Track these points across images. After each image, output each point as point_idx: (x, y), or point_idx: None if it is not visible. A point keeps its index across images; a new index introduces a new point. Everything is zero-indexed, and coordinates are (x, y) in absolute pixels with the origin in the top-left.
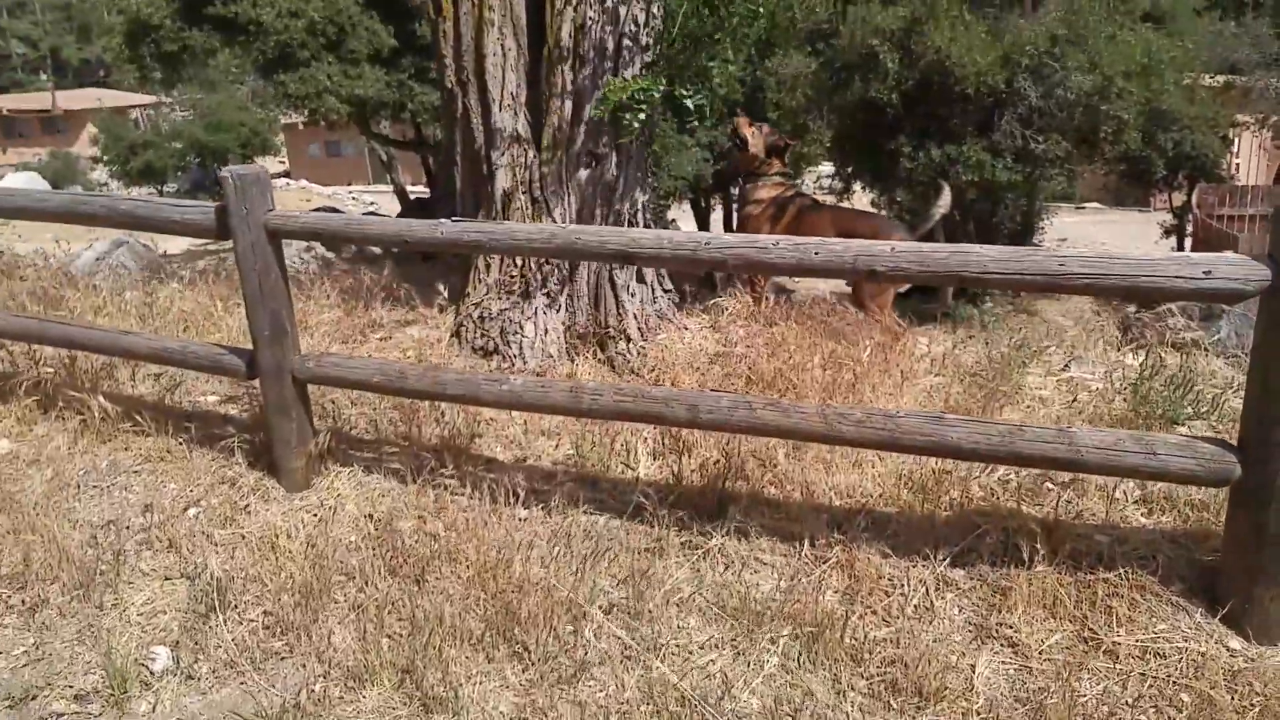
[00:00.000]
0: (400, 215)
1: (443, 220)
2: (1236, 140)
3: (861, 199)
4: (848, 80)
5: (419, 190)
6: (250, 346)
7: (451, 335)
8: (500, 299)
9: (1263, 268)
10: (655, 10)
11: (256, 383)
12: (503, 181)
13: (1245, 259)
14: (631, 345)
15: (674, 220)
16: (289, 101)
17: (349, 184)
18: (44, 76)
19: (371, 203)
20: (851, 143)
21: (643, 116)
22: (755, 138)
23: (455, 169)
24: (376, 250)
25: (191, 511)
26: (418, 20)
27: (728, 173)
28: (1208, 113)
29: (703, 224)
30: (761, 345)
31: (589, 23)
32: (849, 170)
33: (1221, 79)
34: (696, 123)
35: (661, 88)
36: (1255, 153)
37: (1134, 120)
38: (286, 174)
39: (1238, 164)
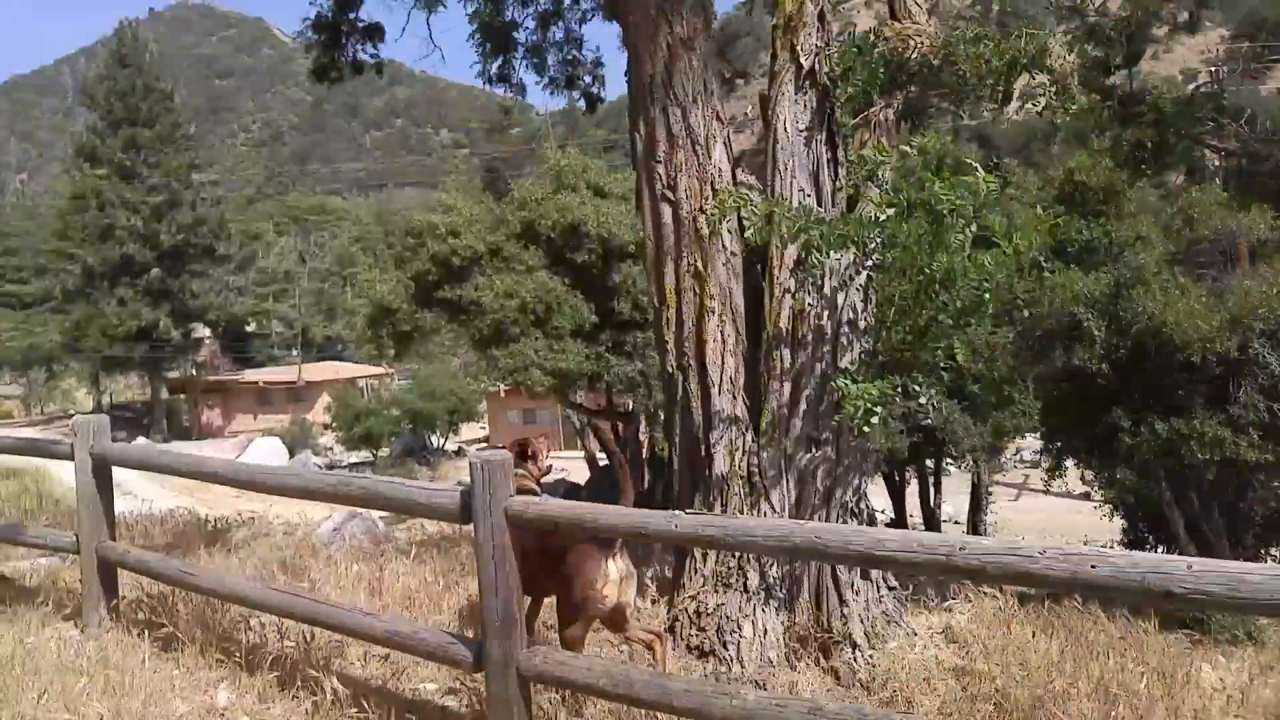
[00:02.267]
0: (589, 481)
1: (678, 513)
2: None
3: (1072, 475)
4: (1049, 348)
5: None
6: (476, 635)
7: (667, 630)
8: (717, 592)
9: None
10: (871, 294)
11: (479, 677)
12: (720, 465)
13: None
14: (858, 653)
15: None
16: (499, 374)
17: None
18: (294, 352)
19: (562, 469)
20: (1062, 415)
21: (878, 416)
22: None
23: (672, 447)
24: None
25: None
26: (616, 298)
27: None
28: None
29: (897, 499)
30: (1011, 662)
31: (807, 309)
32: (1058, 445)
33: None
34: (927, 415)
35: (897, 387)
36: None
37: None
38: (486, 439)
39: None
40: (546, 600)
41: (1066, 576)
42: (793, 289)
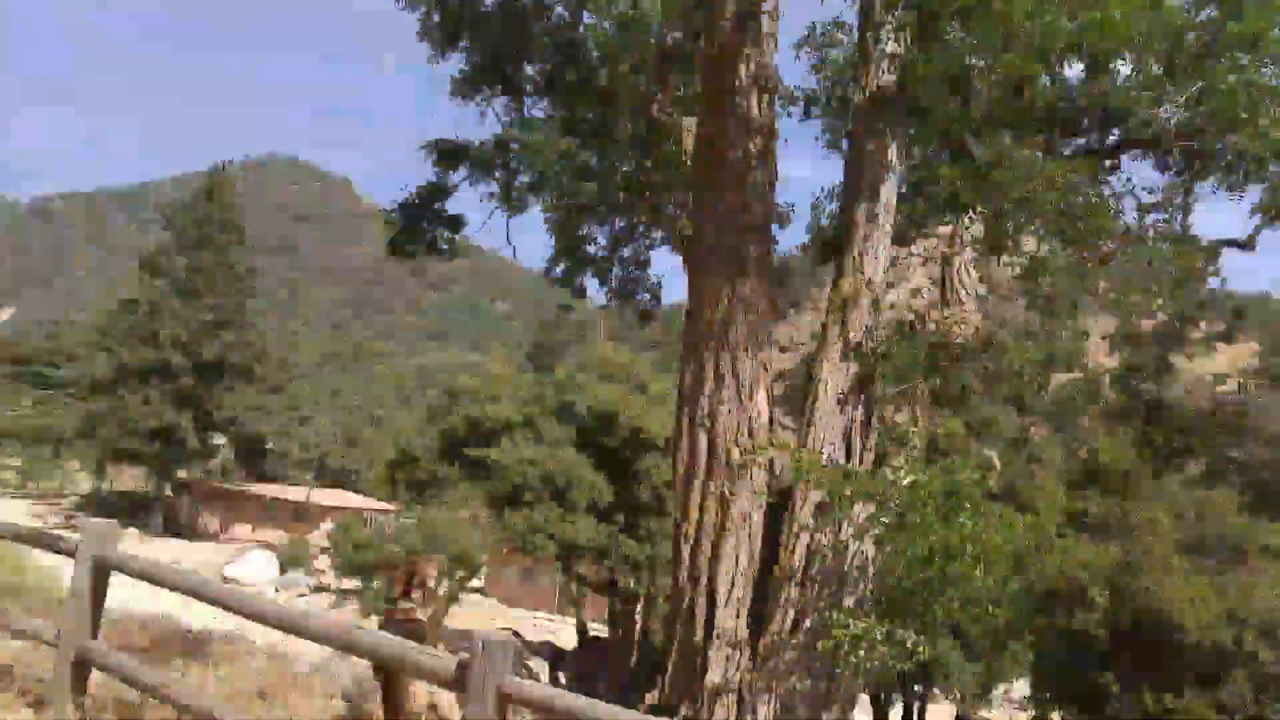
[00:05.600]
0: (577, 648)
1: None
2: None
3: None
4: (1050, 607)
5: (598, 628)
6: None
7: None
8: None
9: None
10: (882, 549)
11: None
12: (714, 676)
13: None
14: None
15: None
16: (508, 535)
17: (535, 609)
18: (308, 475)
19: (551, 632)
20: (1052, 667)
21: (862, 653)
22: None
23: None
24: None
25: None
26: (637, 484)
27: None
28: None
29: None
30: None
31: (822, 549)
32: (1047, 696)
33: None
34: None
35: (883, 632)
36: None
37: None
38: (481, 590)
39: None
40: None
41: None
42: (811, 529)
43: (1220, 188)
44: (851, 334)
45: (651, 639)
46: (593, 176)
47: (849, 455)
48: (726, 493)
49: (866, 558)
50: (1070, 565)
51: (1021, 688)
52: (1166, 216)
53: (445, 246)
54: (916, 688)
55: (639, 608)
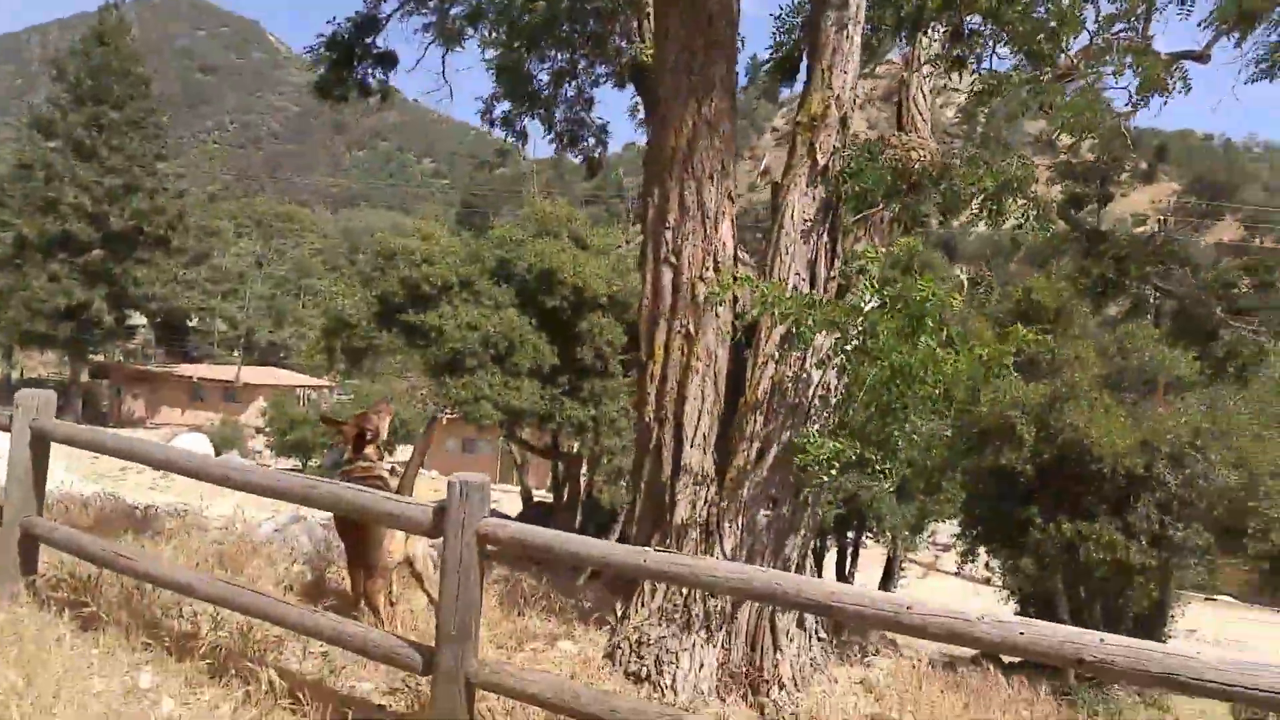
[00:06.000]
0: (520, 515)
1: (647, 549)
2: None
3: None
4: (982, 446)
5: (542, 495)
6: (428, 643)
7: (605, 656)
8: (660, 626)
9: None
10: (844, 378)
11: (424, 681)
12: (682, 512)
13: None
14: (784, 693)
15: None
16: (450, 403)
17: None
18: (235, 353)
19: (495, 500)
20: (981, 506)
21: (834, 472)
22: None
23: (637, 492)
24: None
25: None
26: (581, 344)
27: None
28: None
29: (815, 565)
30: (923, 714)
31: (786, 380)
32: (975, 532)
33: None
34: (883, 481)
35: (856, 451)
36: None
37: None
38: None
39: None
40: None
41: (998, 640)
42: (776, 360)
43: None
44: (820, 156)
45: (597, 499)
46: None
47: (813, 285)
48: (692, 330)
49: (829, 387)
50: (1004, 404)
51: (947, 530)
52: (1129, 26)
53: (379, 85)
54: (849, 534)
55: (583, 469)
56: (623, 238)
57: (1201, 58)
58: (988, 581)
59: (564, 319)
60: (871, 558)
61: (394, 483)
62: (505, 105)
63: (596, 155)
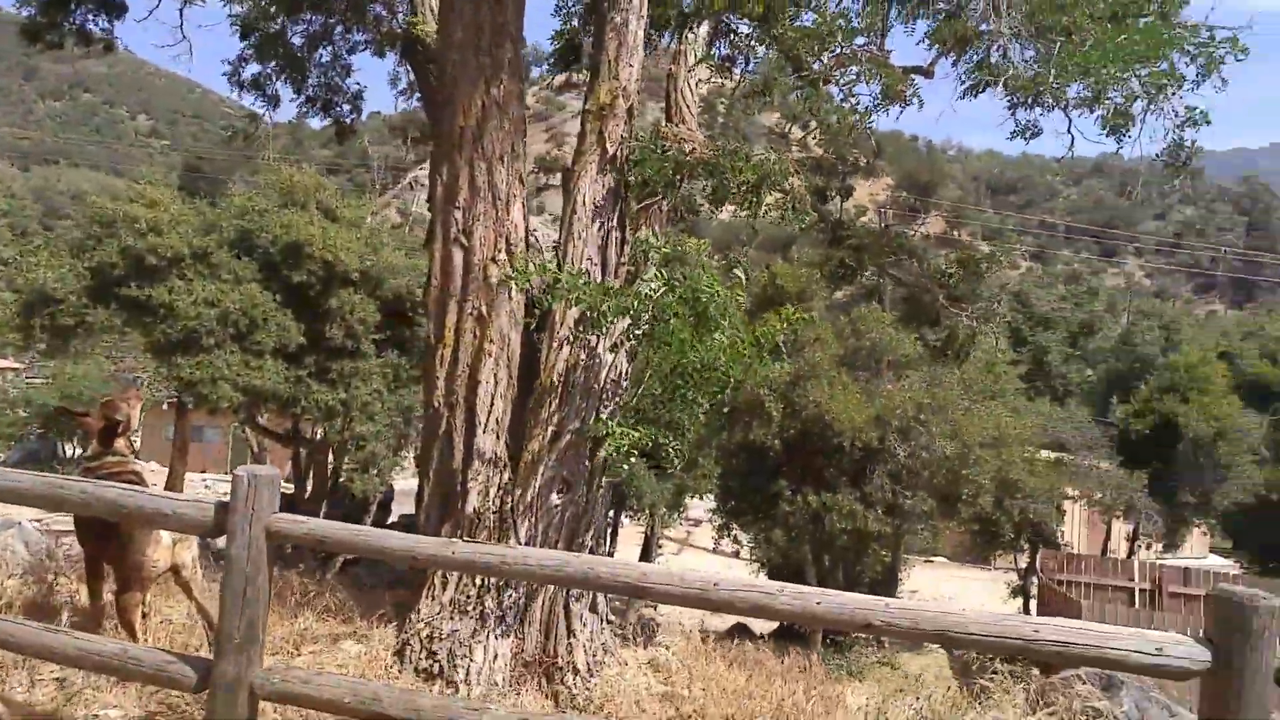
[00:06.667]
0: None
1: (455, 540)
2: (1068, 512)
3: (740, 537)
4: (733, 423)
5: (284, 487)
6: (204, 654)
7: (394, 654)
8: (453, 619)
9: (1204, 650)
10: (634, 361)
11: (195, 699)
12: (474, 500)
13: (1188, 640)
14: (579, 679)
15: None
16: (180, 384)
17: (203, 471)
18: None
19: (224, 493)
20: (735, 481)
21: (634, 460)
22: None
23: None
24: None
25: None
26: (331, 323)
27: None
28: (1045, 485)
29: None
30: (710, 688)
31: (580, 364)
32: (729, 506)
33: (1053, 455)
34: (675, 465)
35: (652, 439)
36: (1083, 523)
37: (988, 485)
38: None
39: (1063, 533)
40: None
41: (799, 610)
42: (570, 343)
43: (899, 21)
44: (609, 145)
45: (346, 488)
46: None
47: (604, 270)
48: (485, 312)
49: (620, 372)
50: (755, 383)
51: (700, 505)
52: (869, 41)
53: (102, 33)
54: (609, 513)
55: (329, 456)
56: (371, 209)
57: (927, 73)
58: (737, 555)
59: (312, 295)
60: (626, 536)
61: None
62: (255, 68)
63: (349, 121)
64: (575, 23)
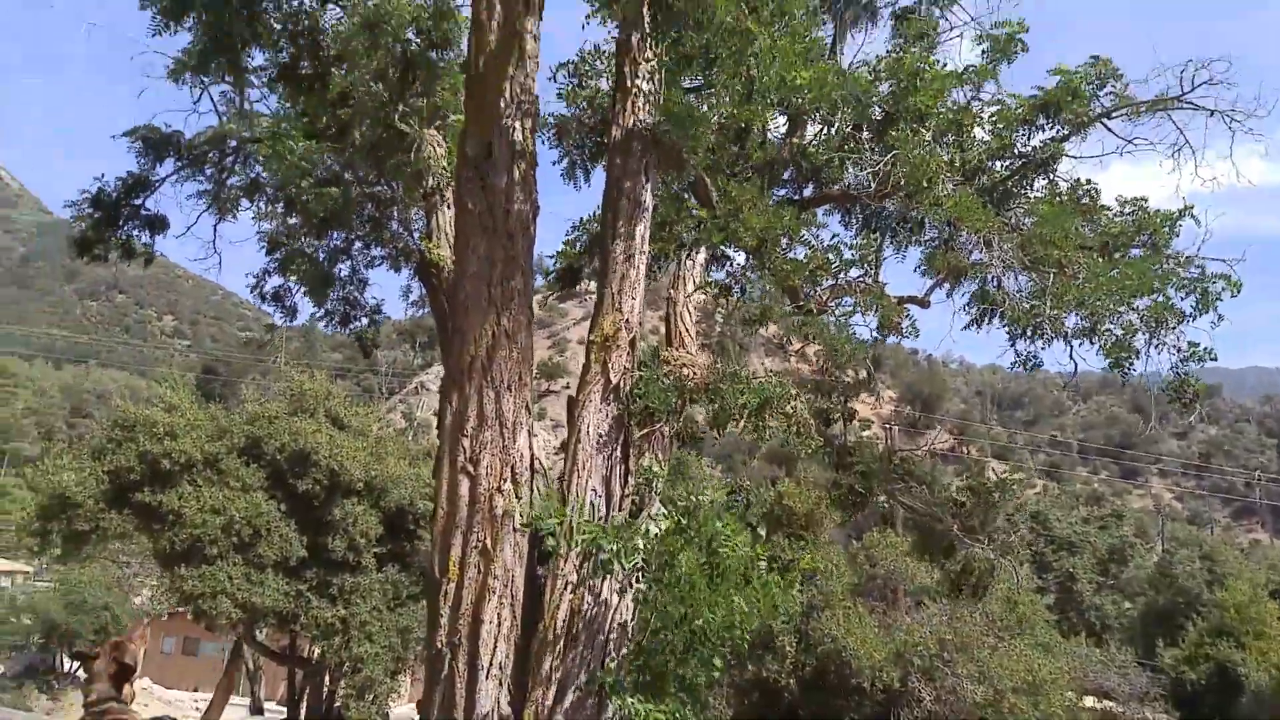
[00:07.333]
0: None
1: None
2: None
3: None
4: (743, 657)
5: (274, 707)
6: None
7: None
8: None
9: None
10: (642, 606)
11: None
12: None
13: None
14: None
15: None
16: (181, 596)
17: (195, 689)
18: None
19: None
20: None
21: None
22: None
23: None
24: None
25: None
26: (333, 534)
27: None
28: None
29: None
30: None
31: (586, 608)
32: None
33: (1099, 703)
34: None
35: (666, 713)
36: None
37: None
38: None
39: None
40: None
41: None
42: (574, 584)
43: (892, 248)
44: (612, 375)
45: (342, 714)
46: (334, 183)
47: (609, 502)
48: (489, 545)
49: (627, 615)
50: (766, 613)
51: None
52: (864, 272)
53: (144, 247)
54: None
55: (326, 679)
56: (377, 418)
57: (923, 303)
58: None
59: (316, 505)
60: None
61: None
62: (277, 280)
63: (368, 335)
64: (578, 247)
